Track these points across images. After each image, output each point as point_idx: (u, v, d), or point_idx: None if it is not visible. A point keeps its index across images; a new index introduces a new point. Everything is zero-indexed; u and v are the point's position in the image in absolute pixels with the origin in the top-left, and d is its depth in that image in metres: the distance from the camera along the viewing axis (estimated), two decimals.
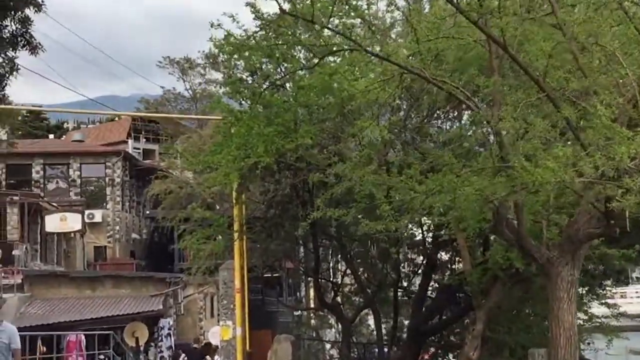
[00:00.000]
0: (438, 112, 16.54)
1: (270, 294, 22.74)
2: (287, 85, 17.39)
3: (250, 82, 17.20)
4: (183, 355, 29.26)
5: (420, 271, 20.04)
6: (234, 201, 17.62)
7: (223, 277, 19.33)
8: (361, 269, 20.36)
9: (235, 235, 17.79)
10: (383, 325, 19.93)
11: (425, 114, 16.19)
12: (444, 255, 20.06)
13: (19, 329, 28.48)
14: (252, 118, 15.86)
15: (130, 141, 56.44)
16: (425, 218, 15.93)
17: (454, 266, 19.60)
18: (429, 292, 19.24)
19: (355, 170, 13.58)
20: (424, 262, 19.42)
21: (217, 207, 21.81)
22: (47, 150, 45.45)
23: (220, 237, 17.82)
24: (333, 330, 25.77)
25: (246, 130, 15.36)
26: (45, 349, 28.56)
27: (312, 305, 24.11)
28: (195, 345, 29.85)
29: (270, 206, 18.75)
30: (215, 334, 38.68)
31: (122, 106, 76.76)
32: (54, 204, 36.82)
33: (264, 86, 16.12)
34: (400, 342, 19.59)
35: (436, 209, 11.49)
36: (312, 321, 25.03)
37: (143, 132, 60.62)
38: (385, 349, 19.37)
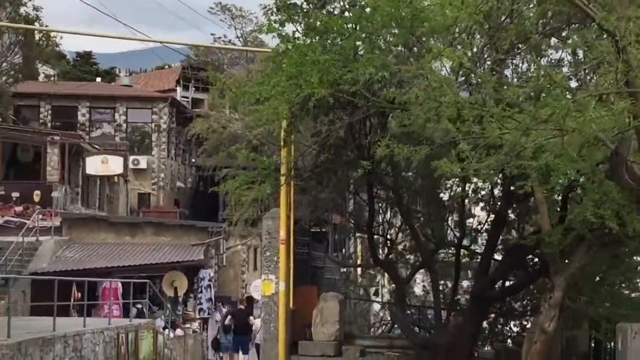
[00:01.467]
0: (520, 46, 14.01)
1: (317, 248, 20.52)
2: (347, 13, 15.07)
3: (305, 8, 14.91)
4: (229, 317, 27.36)
5: (485, 229, 17.65)
6: (282, 142, 15.37)
7: (267, 227, 17.20)
8: (419, 225, 18.06)
9: (282, 180, 15.56)
10: (440, 288, 17.68)
11: (507, 49, 13.68)
12: (511, 214, 17.62)
13: (54, 273, 26.83)
14: (306, 45, 13.57)
15: (179, 89, 54.41)
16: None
17: (524, 225, 17.22)
18: (496, 254, 16.89)
19: (428, 100, 11.13)
20: (492, 219, 17.04)
21: (264, 150, 19.54)
22: (93, 93, 43.57)
23: (265, 182, 15.58)
24: (384, 290, 23.68)
25: (299, 57, 13.09)
26: (80, 294, 26.85)
27: (360, 263, 21.88)
28: (241, 306, 28.02)
29: (322, 150, 16.48)
30: (258, 288, 36.73)
31: (174, 57, 74.84)
32: (96, 145, 34.98)
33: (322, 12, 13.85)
34: (460, 307, 17.40)
35: (529, 149, 9.15)
36: (360, 280, 22.91)
37: (192, 81, 58.60)
38: (443, 314, 17.13)
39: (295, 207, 17.05)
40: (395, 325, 20.09)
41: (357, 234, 21.98)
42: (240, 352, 26.79)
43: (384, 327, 21.19)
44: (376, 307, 22.88)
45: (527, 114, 8.33)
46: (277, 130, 17.07)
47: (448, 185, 18.59)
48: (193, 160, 45.11)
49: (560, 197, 13.83)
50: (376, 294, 22.75)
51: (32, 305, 24.87)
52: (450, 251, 18.57)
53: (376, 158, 14.53)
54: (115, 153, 34.33)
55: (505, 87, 11.00)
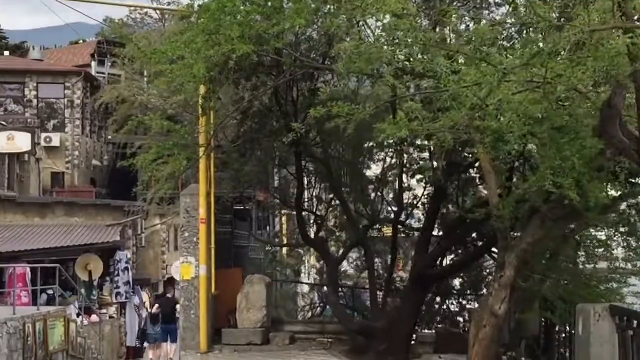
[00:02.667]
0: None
1: (240, 226, 18.69)
2: None
3: None
4: (156, 305, 25.34)
5: (422, 203, 16.08)
6: (200, 109, 13.47)
7: (185, 205, 15.34)
8: (350, 200, 16.40)
9: (201, 152, 13.67)
10: (375, 267, 16.08)
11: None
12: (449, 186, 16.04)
13: None
14: None
15: (93, 64, 51.47)
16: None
17: (463, 198, 15.71)
18: (434, 230, 15.34)
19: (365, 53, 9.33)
20: (429, 192, 15.48)
21: (181, 122, 17.54)
22: (1, 67, 40.59)
23: (181, 154, 13.64)
24: (312, 270, 22.01)
25: (217, 9, 11.22)
26: None
27: (287, 241, 20.09)
28: (169, 295, 26.06)
29: (244, 119, 14.65)
30: (178, 269, 34.80)
31: (91, 33, 71.49)
32: (1, 122, 32.30)
33: None
34: (397, 288, 15.89)
35: (491, 106, 7.53)
36: (287, 259, 21.16)
37: (108, 56, 55.65)
38: (379, 295, 15.55)
39: (216, 183, 15.22)
40: (327, 308, 18.47)
41: (283, 211, 20.18)
42: (169, 341, 24.81)
43: (313, 310, 19.57)
44: (304, 288, 21.20)
45: (496, 61, 6.69)
46: (194, 99, 15.20)
47: (380, 157, 17.00)
48: (109, 137, 42.61)
49: (508, 166, 12.31)
50: (298, 274, 21.04)
51: None
52: (385, 227, 17.02)
53: (304, 127, 12.81)
54: (22, 129, 31.66)
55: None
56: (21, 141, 29.93)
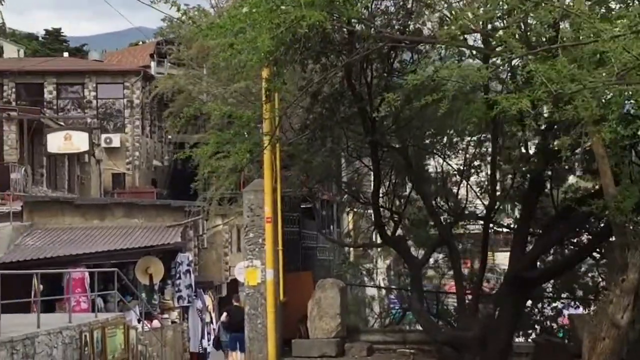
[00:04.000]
0: None
1: (308, 225, 16.83)
2: None
3: None
4: (225, 314, 24.14)
5: (514, 196, 14.00)
6: (264, 93, 11.65)
7: (248, 202, 13.58)
8: (433, 194, 14.44)
9: (265, 141, 11.86)
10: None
11: None
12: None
13: (11, 264, 23.11)
14: None
15: (153, 64, 50.33)
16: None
17: (558, 190, 13.63)
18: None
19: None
20: (521, 182, 13.43)
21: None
22: (60, 69, 39.54)
23: (243, 145, 11.81)
24: (380, 273, 20.02)
25: None
26: (42, 287, 23.13)
27: (362, 241, 18.12)
28: (237, 304, 24.76)
29: (312, 105, 12.81)
30: (242, 271, 33.11)
31: (151, 37, 70.64)
32: (61, 122, 31.07)
33: None
34: (489, 293, 13.93)
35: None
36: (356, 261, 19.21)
37: (167, 57, 54.46)
38: (468, 301, 13.55)
39: (282, 178, 13.43)
40: (407, 315, 16.52)
41: (353, 208, 18.24)
42: (238, 350, 23.50)
43: (391, 317, 17.61)
44: (374, 292, 19.26)
45: None
46: (257, 86, 13.43)
47: (462, 147, 15.01)
48: (169, 136, 41.28)
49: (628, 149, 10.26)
50: (371, 276, 19.05)
51: None
52: (472, 224, 15.03)
53: (381, 112, 10.97)
54: (79, 128, 30.37)
55: None
56: (79, 141, 28.65)
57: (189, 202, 26.42)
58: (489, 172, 13.91)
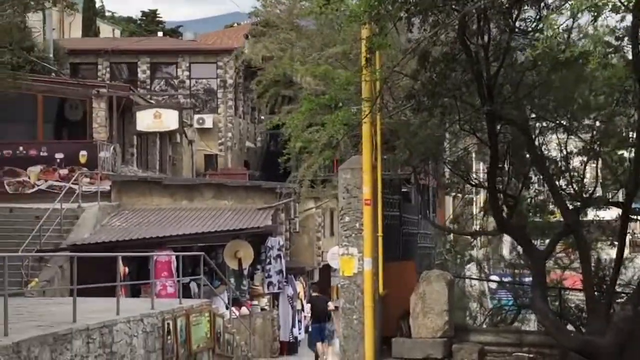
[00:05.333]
0: None
1: (409, 209, 14.92)
2: None
3: None
4: (309, 305, 22.96)
5: None
6: (364, 53, 9.79)
7: (344, 182, 11.79)
8: (554, 174, 12.34)
9: (365, 110, 9.99)
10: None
11: None
12: None
13: (96, 245, 21.99)
14: None
15: (247, 46, 49.09)
16: None
17: None
18: None
19: None
20: None
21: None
22: (153, 48, 38.57)
23: (340, 113, 9.96)
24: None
25: None
26: (127, 269, 21.99)
27: (468, 228, 16.04)
28: (316, 294, 23.49)
29: (420, 69, 10.89)
30: (336, 256, 31.40)
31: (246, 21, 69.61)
32: (151, 100, 29.92)
33: None
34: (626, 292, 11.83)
35: None
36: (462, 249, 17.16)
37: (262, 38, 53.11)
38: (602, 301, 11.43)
39: (382, 151, 11.59)
40: (523, 312, 14.46)
41: (459, 191, 16.16)
42: (326, 342, 22.19)
43: (503, 315, 15.53)
44: (475, 285, 17.19)
45: None
46: (354, 51, 11.62)
47: (588, 122, 12.85)
48: (262, 117, 39.87)
49: None
50: (482, 268, 16.93)
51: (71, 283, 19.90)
52: (603, 210, 12.88)
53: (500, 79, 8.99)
54: (169, 106, 29.12)
55: None
56: (169, 120, 27.36)
57: (280, 184, 24.91)
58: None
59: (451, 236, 17.30)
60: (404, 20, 10.12)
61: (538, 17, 10.60)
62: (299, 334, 25.44)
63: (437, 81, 10.75)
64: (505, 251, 20.37)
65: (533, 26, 10.72)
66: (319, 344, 22.07)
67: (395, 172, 13.33)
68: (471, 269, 19.46)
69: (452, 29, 10.25)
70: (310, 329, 22.43)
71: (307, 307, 23.01)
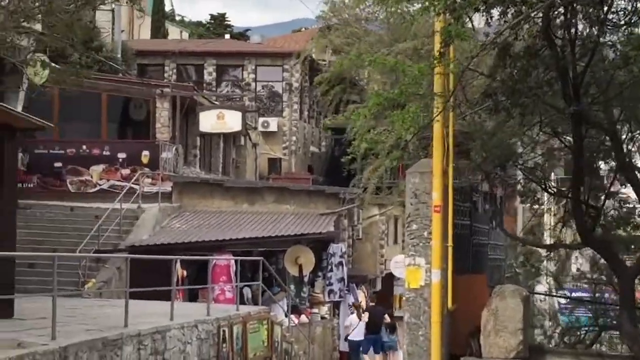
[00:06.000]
0: None
1: (478, 218, 13.87)
2: None
3: None
4: (366, 314, 22.20)
5: None
6: (438, 45, 8.86)
7: (412, 187, 10.85)
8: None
9: (437, 107, 9.04)
10: None
11: None
12: None
13: (156, 246, 21.38)
14: None
15: (314, 51, 48.42)
16: None
17: None
18: None
19: None
20: None
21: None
22: (220, 50, 38.13)
23: (411, 109, 9.00)
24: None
25: None
26: (185, 272, 21.36)
27: (542, 241, 14.85)
28: (372, 304, 22.73)
29: (498, 65, 9.90)
30: (399, 265, 30.32)
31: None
32: (216, 101, 29.33)
33: None
34: None
35: None
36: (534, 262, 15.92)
37: (329, 44, 52.44)
38: None
39: (454, 154, 10.61)
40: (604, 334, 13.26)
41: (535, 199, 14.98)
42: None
43: (580, 335, 14.30)
44: (543, 300, 15.96)
45: None
46: (426, 47, 10.69)
47: None
48: (327, 121, 39.07)
49: None
50: (559, 282, 15.65)
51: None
52: None
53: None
54: (232, 107, 28.49)
55: None
56: (232, 121, 26.71)
57: (344, 189, 24.02)
58: None
59: (522, 248, 16.14)
60: (482, 12, 9.15)
61: (632, 9, 9.51)
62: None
63: (518, 78, 9.72)
64: (574, 266, 19.11)
65: (626, 19, 9.64)
66: (365, 357, 21.42)
67: (466, 178, 12.31)
68: (538, 284, 18.29)
69: (535, 21, 9.22)
70: (391, 337, 21.71)
71: (365, 316, 22.20)
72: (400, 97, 8.88)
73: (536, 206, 14.68)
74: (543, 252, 15.44)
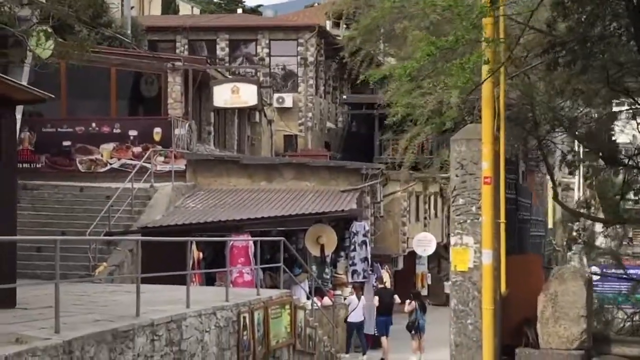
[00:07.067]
0: None
1: (522, 191, 12.40)
2: None
3: None
4: (377, 297, 20.94)
5: None
6: None
7: (458, 156, 9.40)
8: None
9: (486, 65, 7.55)
10: None
11: None
12: None
13: (170, 227, 20.05)
14: None
15: (328, 23, 46.81)
16: None
17: None
18: None
19: None
20: None
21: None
22: (232, 24, 36.65)
23: (470, 58, 7.47)
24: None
25: None
26: (202, 254, 20.04)
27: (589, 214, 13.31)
28: (381, 286, 21.52)
29: (562, 10, 8.40)
30: (421, 242, 29.02)
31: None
32: (227, 74, 27.84)
33: None
34: None
35: None
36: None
37: (344, 18, 50.85)
38: None
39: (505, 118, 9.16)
40: None
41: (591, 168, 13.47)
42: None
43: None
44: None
45: None
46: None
47: None
48: (345, 97, 37.56)
49: None
50: (620, 262, 14.02)
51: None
52: None
53: None
54: (246, 80, 26.99)
55: None
56: (247, 94, 25.22)
57: (366, 164, 22.61)
58: None
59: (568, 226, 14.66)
60: None
61: None
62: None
63: (583, 28, 8.22)
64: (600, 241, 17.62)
65: None
66: (383, 338, 20.25)
67: (512, 146, 10.85)
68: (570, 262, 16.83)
69: None
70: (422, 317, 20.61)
71: (376, 299, 21.05)
72: (456, 46, 7.40)
73: (589, 177, 13.19)
74: (598, 227, 14.01)
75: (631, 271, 14.49)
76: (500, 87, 9.01)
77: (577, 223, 14.17)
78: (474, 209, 9.43)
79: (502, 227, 9.30)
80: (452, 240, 9.61)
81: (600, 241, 13.79)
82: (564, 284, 9.44)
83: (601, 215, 12.40)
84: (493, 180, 9.22)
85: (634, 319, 12.53)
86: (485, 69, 8.40)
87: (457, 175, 9.58)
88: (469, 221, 9.46)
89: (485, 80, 7.81)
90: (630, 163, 10.23)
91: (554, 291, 9.45)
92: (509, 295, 9.52)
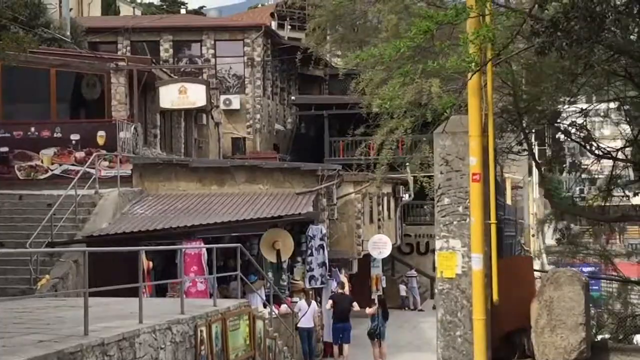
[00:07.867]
0: None
1: (498, 190, 11.51)
2: None
3: None
4: (330, 302, 19.97)
5: None
6: None
7: (442, 151, 8.42)
8: None
9: (470, 52, 6.59)
10: None
11: None
12: None
13: (117, 235, 18.74)
14: None
15: (273, 23, 45.76)
16: None
17: None
18: None
19: None
20: None
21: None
22: (176, 25, 35.32)
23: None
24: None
25: None
26: (151, 263, 18.77)
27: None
28: (341, 291, 20.58)
29: None
30: (378, 245, 28.14)
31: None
32: (172, 74, 26.53)
33: None
34: None
35: None
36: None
37: (288, 19, 49.92)
38: None
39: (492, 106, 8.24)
40: None
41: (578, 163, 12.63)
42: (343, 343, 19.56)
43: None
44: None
45: None
46: None
47: None
48: (293, 97, 36.52)
49: None
50: (611, 262, 13.14)
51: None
52: None
53: None
54: (195, 80, 25.76)
55: None
56: (195, 95, 23.97)
57: (322, 165, 21.61)
58: None
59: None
60: None
61: None
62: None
63: (583, 10, 7.33)
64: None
65: None
66: (345, 346, 19.43)
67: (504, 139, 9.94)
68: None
69: None
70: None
71: (329, 303, 20.13)
72: (457, 19, 6.39)
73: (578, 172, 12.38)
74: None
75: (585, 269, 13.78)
76: (487, 74, 8.09)
77: (562, 222, 13.42)
78: (460, 209, 8.47)
79: (493, 228, 8.37)
80: (437, 244, 8.62)
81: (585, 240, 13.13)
82: (560, 289, 8.51)
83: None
84: (482, 177, 8.28)
85: (626, 324, 11.77)
86: (472, 38, 7.38)
87: (441, 173, 8.60)
88: (455, 222, 8.50)
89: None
90: (617, 156, 9.41)
91: (549, 297, 8.52)
92: (499, 302, 8.58)
